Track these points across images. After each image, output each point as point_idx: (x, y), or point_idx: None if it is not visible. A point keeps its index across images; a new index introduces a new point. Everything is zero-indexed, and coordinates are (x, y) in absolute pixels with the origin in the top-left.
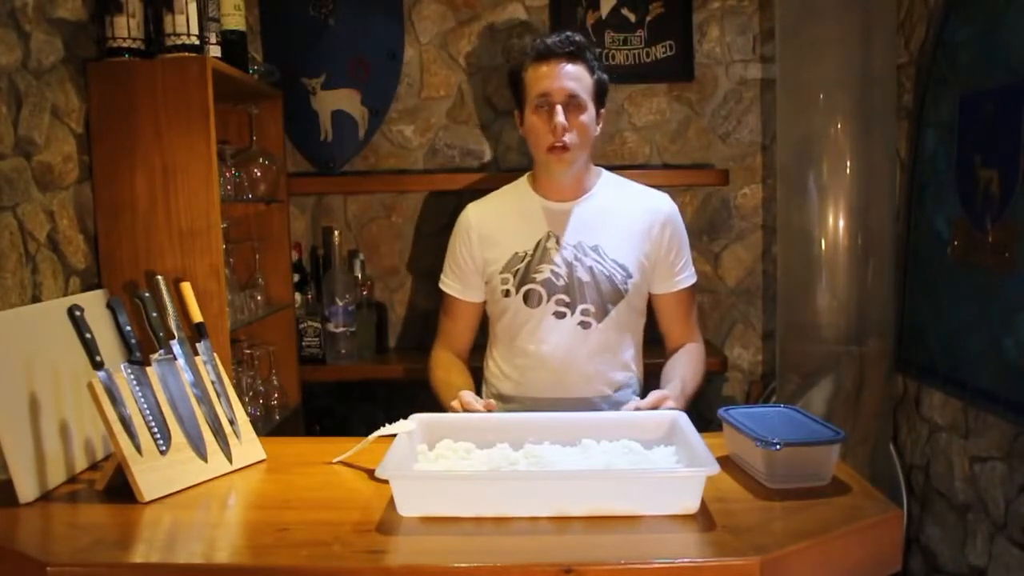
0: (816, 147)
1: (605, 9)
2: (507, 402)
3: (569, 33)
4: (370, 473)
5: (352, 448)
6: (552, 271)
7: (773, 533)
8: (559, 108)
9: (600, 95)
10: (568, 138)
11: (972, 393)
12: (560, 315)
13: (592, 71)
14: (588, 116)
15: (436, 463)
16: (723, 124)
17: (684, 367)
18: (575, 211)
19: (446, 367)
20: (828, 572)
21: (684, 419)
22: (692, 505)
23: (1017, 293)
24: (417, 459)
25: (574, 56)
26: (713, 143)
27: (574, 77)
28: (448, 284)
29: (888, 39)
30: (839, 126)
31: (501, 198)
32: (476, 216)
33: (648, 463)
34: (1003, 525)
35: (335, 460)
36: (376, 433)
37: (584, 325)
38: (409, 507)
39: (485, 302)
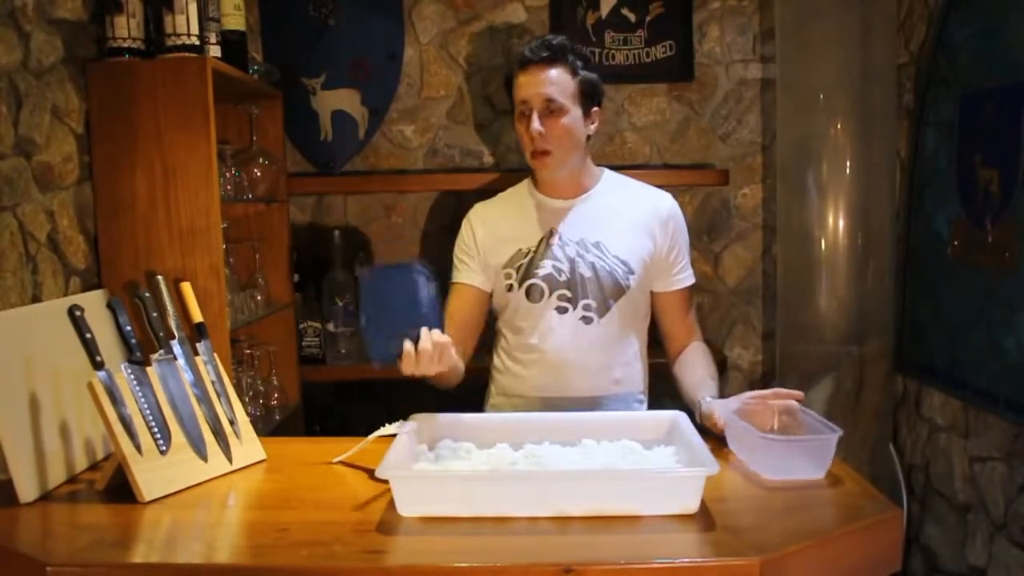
0: (816, 147)
1: (605, 9)
2: (512, 398)
3: (549, 36)
4: (370, 473)
5: (352, 448)
6: (554, 267)
7: (773, 533)
8: (535, 115)
9: (588, 94)
10: (546, 144)
11: (972, 393)
12: (562, 310)
13: (575, 72)
14: (570, 118)
15: (436, 463)
16: (723, 124)
17: (704, 368)
18: (577, 209)
19: None
20: (828, 572)
21: (684, 419)
22: (692, 505)
23: (1017, 293)
24: (417, 459)
25: (552, 60)
26: (713, 143)
27: (552, 81)
28: (454, 276)
29: (888, 39)
30: (839, 126)
31: (505, 199)
32: (481, 214)
33: (648, 463)
34: (1003, 525)
35: (335, 460)
36: (376, 433)
37: (586, 320)
38: (409, 507)
39: (490, 295)
